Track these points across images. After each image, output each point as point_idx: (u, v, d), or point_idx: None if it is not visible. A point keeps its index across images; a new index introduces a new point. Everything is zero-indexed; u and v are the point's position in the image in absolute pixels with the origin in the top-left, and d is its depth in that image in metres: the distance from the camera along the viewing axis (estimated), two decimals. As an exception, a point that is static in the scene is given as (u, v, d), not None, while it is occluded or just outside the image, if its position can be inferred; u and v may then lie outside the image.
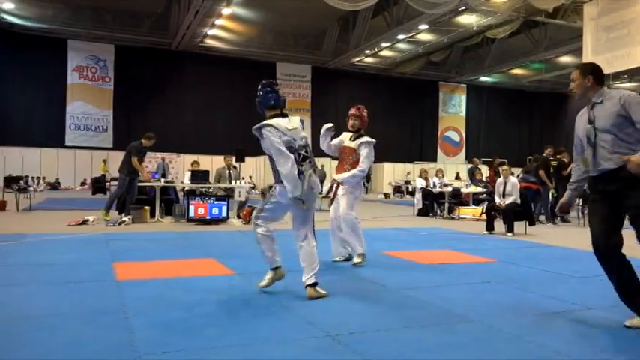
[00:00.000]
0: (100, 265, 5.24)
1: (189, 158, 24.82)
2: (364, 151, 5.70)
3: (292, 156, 3.91)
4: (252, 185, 14.26)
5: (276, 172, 4.04)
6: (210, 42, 27.91)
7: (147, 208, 10.03)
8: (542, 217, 11.10)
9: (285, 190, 3.96)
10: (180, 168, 25.54)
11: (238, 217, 10.22)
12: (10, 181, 13.14)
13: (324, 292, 4.01)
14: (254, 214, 4.32)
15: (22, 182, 13.27)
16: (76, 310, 3.50)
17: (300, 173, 3.93)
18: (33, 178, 23.02)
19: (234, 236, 8.03)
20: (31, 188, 14.18)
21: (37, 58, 26.40)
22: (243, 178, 12.92)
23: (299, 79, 32.51)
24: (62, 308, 3.54)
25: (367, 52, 29.19)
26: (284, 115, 4.11)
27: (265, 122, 4.02)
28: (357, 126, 5.86)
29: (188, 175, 11.39)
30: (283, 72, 31.98)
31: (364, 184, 5.92)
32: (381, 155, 33.68)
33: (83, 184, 26.38)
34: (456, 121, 37.15)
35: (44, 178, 25.17)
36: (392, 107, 34.01)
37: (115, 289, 4.17)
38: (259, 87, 4.24)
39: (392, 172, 30.93)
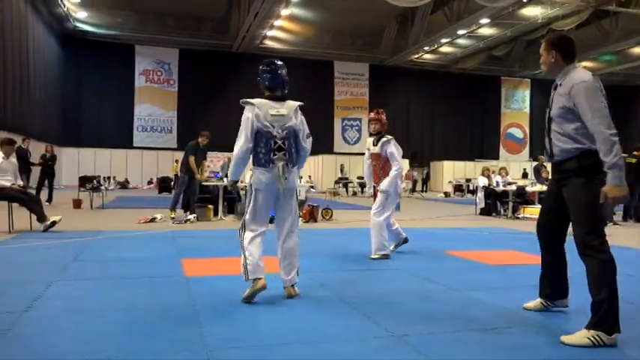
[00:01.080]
0: (168, 261, 5.45)
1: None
2: (389, 150, 5.97)
3: (248, 140, 3.84)
4: (311, 184, 14.36)
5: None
6: (269, 43, 28.39)
7: (210, 206, 10.33)
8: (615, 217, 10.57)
9: (257, 175, 3.89)
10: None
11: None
12: (84, 181, 13.85)
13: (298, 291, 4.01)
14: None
15: (95, 182, 13.98)
16: (149, 304, 3.65)
17: (270, 162, 3.86)
18: (104, 177, 24.26)
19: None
20: (103, 187, 14.94)
21: (107, 64, 27.79)
22: (301, 177, 13.04)
23: (357, 77, 32.46)
24: (136, 302, 3.71)
25: (426, 48, 28.76)
26: (279, 99, 3.99)
27: (250, 99, 3.97)
28: (377, 129, 6.11)
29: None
30: (341, 71, 32.05)
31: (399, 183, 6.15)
32: (441, 153, 33.28)
33: (150, 182, 27.48)
34: (520, 117, 35.94)
35: (114, 178, 26.43)
36: (452, 104, 33.34)
37: (183, 285, 4.33)
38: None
39: (452, 171, 30.31)
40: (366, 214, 12.63)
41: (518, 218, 11.80)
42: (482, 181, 13.15)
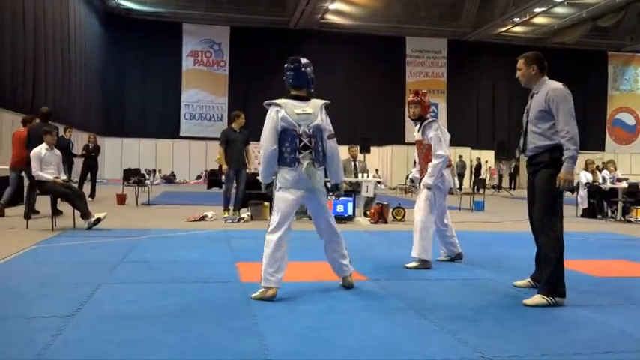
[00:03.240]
0: (223, 264, 5.61)
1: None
2: (431, 134, 5.78)
3: (274, 142, 4.23)
4: (379, 180, 14.32)
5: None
6: (331, 17, 28.47)
7: (266, 204, 10.49)
8: None
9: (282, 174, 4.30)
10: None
11: (365, 215, 10.35)
12: (129, 174, 14.46)
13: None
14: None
15: (140, 175, 14.55)
16: (205, 311, 3.78)
17: (296, 161, 4.23)
18: (149, 170, 25.19)
19: (362, 237, 8.14)
20: (148, 181, 15.56)
21: (152, 45, 28.74)
22: (367, 171, 13.00)
23: (432, 55, 31.98)
24: (190, 309, 3.85)
25: (516, 20, 27.96)
26: (304, 99, 4.36)
27: (275, 100, 4.35)
28: (418, 114, 5.96)
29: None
30: (414, 48, 31.70)
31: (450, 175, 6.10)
32: (533, 144, 32.15)
33: (199, 177, 28.21)
34: (631, 100, 34.26)
35: (160, 171, 27.36)
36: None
37: (240, 291, 4.44)
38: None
39: (546, 164, 29.29)
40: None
41: (629, 222, 11.30)
42: (585, 177, 12.66)
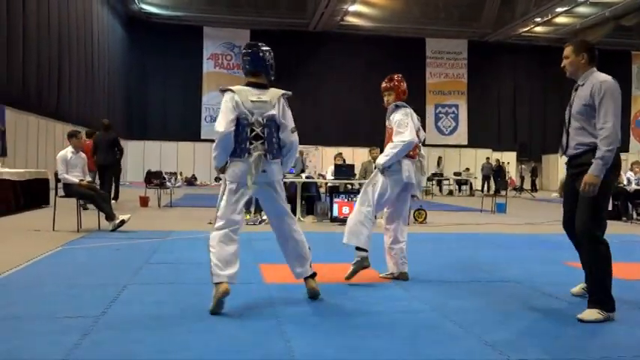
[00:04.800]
0: (245, 266, 5.58)
1: (328, 151, 25.58)
2: (396, 117, 4.99)
3: (229, 124, 3.94)
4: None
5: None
6: (351, 19, 28.46)
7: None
8: None
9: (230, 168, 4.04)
10: (319, 162, 26.40)
11: (387, 217, 10.30)
12: (151, 176, 14.59)
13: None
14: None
15: (161, 178, 14.68)
16: (230, 312, 3.79)
17: (246, 151, 3.98)
18: (170, 173, 25.40)
19: (382, 239, 8.10)
20: (169, 183, 15.67)
21: (173, 48, 29.00)
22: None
23: (453, 56, 31.80)
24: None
25: (537, 19, 27.69)
26: (263, 86, 4.12)
27: (229, 87, 4.11)
28: (392, 102, 5.15)
29: (331, 169, 11.71)
30: (434, 49, 31.54)
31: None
32: (554, 145, 31.80)
33: (217, 179, 28.38)
34: (656, 100, 33.72)
35: (181, 173, 27.57)
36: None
37: (264, 292, 4.46)
38: None
39: (568, 166, 28.93)
40: (467, 216, 12.41)
41: (655, 224, 11.10)
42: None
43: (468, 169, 26.11)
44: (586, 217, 3.80)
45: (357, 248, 4.86)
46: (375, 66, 30.09)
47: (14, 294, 4.26)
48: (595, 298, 3.77)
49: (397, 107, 5.10)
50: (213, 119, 30.04)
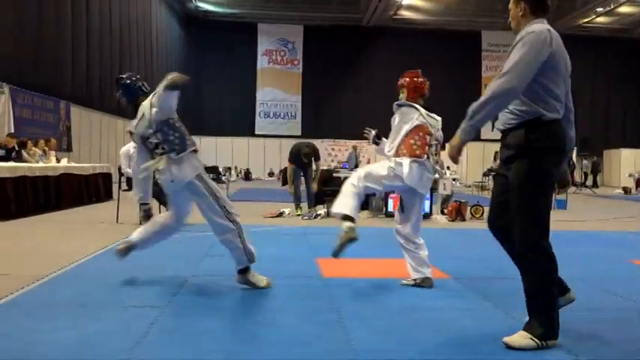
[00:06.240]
0: (303, 260, 5.69)
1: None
2: (395, 121, 4.66)
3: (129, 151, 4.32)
4: (456, 177, 14.09)
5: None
6: (405, 13, 28.20)
7: (342, 200, 10.53)
8: None
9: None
10: (372, 156, 26.32)
11: (443, 213, 10.20)
12: (209, 171, 14.90)
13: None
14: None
15: (217, 173, 14.96)
16: (291, 306, 3.85)
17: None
18: (225, 168, 25.85)
19: (440, 235, 8.03)
20: (224, 178, 15.94)
21: (228, 45, 29.49)
22: (448, 168, 12.85)
23: (509, 49, 31.03)
24: (274, 304, 3.93)
25: (599, 9, 26.70)
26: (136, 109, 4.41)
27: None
28: (404, 99, 4.80)
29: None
30: (490, 42, 30.92)
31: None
32: (617, 140, 30.72)
33: (270, 174, 28.72)
34: None
35: (236, 168, 28.04)
36: (632, 79, 30.59)
37: (323, 287, 4.49)
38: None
39: (632, 161, 27.89)
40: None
41: None
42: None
43: (525, 165, 25.48)
44: (525, 223, 3.04)
45: (344, 217, 4.42)
46: (429, 60, 29.70)
47: (84, 284, 4.44)
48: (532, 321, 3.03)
49: (398, 107, 4.74)
50: (267, 115, 30.50)
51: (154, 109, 4.17)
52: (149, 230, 4.51)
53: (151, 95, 4.27)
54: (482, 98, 2.95)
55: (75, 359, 2.73)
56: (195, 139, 16.47)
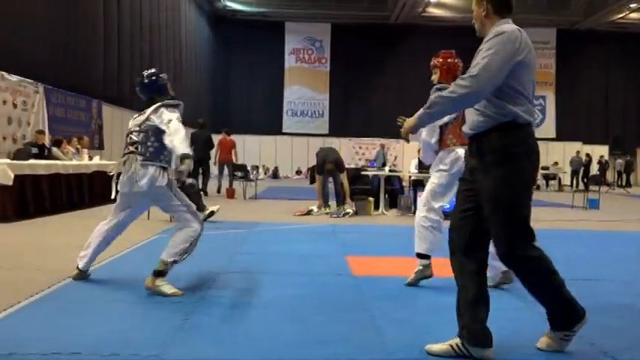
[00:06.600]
0: (333, 258, 5.67)
1: (411, 144, 25.33)
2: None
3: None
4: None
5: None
6: (433, 10, 27.96)
7: (371, 199, 10.50)
8: None
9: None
10: (400, 155, 26.16)
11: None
12: (236, 169, 14.98)
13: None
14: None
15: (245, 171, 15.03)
16: (321, 304, 3.83)
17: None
18: (253, 166, 25.97)
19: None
20: (252, 176, 16.02)
21: (256, 44, 29.60)
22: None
23: (540, 46, 30.54)
24: (304, 301, 3.91)
25: (633, 5, 26.09)
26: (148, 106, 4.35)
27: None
28: (436, 81, 4.72)
29: (415, 162, 11.56)
30: (520, 39, 30.40)
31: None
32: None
33: (298, 172, 28.74)
34: None
35: (264, 166, 28.14)
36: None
37: (353, 284, 4.47)
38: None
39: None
40: (556, 212, 11.91)
41: None
42: None
43: (556, 164, 25.06)
44: (510, 236, 2.83)
45: (419, 255, 4.49)
46: (459, 57, 29.46)
47: (117, 279, 4.50)
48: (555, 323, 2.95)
49: (438, 91, 4.31)
50: (295, 113, 30.54)
51: (157, 121, 4.16)
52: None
53: (167, 111, 4.19)
54: (447, 93, 2.78)
55: (109, 353, 2.76)
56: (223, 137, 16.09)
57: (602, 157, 26.14)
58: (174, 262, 4.10)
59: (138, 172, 4.09)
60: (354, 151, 28.79)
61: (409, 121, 2.97)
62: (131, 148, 4.21)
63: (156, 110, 4.21)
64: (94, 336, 3.00)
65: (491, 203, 2.80)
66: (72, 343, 2.87)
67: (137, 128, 4.25)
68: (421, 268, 4.43)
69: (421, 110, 2.89)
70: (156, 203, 4.34)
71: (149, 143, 4.17)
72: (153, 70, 4.59)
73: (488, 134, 2.80)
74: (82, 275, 4.38)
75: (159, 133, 4.14)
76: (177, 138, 3.98)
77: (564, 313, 2.91)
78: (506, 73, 2.76)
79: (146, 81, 4.47)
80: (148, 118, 4.20)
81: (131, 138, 4.26)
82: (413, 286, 4.39)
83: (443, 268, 4.74)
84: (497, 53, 2.74)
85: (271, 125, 30.02)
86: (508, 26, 2.88)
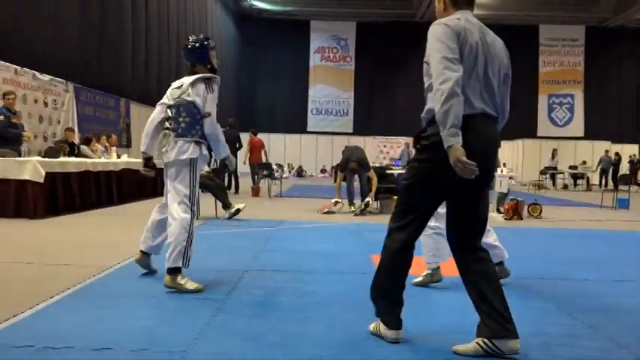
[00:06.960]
0: (358, 256, 5.67)
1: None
2: None
3: (157, 110, 4.39)
4: (512, 174, 13.77)
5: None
6: (459, 8, 27.69)
7: (395, 197, 10.45)
8: None
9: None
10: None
11: (499, 211, 9.98)
12: (262, 167, 15.07)
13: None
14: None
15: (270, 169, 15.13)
16: (348, 301, 3.85)
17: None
18: (278, 164, 26.07)
19: (497, 234, 7.83)
20: (277, 174, 16.10)
21: (281, 43, 29.71)
22: (504, 165, 12.57)
23: (569, 43, 30.11)
24: (334, 298, 3.93)
25: (665, 1, 25.53)
26: (190, 73, 4.36)
27: None
28: None
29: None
30: (548, 36, 30.04)
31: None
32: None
33: (323, 170, 28.79)
34: None
35: (288, 165, 28.24)
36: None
37: (379, 283, 4.45)
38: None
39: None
40: (585, 212, 11.73)
41: None
42: None
43: (585, 162, 24.65)
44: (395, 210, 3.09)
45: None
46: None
47: (147, 275, 4.55)
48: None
49: None
50: (320, 111, 30.57)
51: (193, 95, 4.21)
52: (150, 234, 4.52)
53: (205, 90, 4.24)
54: (438, 106, 2.71)
55: (139, 349, 2.80)
56: (247, 136, 16.24)
57: (633, 155, 25.63)
58: (184, 258, 4.13)
59: (169, 147, 4.20)
60: (379, 150, 28.74)
61: (454, 158, 2.62)
62: (166, 124, 4.31)
63: (193, 84, 4.25)
64: (124, 331, 3.05)
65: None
66: (103, 338, 2.92)
67: (172, 102, 4.31)
68: (430, 272, 4.43)
69: (443, 135, 2.67)
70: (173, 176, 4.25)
71: (180, 119, 4.24)
72: (200, 36, 4.58)
73: (425, 131, 2.95)
74: (143, 258, 4.52)
75: (191, 108, 4.22)
76: (216, 143, 4.37)
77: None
78: (455, 54, 2.80)
79: (189, 46, 4.48)
80: (184, 92, 4.26)
81: (166, 112, 4.35)
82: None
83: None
84: (436, 47, 2.84)
85: (296, 124, 30.11)
86: (445, 19, 2.87)
